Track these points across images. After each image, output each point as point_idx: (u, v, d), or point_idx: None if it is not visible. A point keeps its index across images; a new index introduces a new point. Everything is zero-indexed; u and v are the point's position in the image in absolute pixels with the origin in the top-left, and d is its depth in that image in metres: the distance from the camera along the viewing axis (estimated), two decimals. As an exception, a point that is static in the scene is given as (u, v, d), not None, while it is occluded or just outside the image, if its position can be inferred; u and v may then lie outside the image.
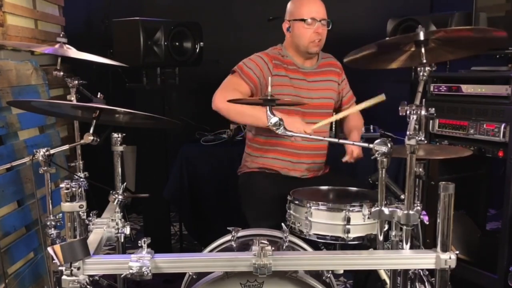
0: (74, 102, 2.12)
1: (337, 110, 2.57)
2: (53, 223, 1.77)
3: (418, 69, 1.50)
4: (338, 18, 2.34)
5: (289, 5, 2.41)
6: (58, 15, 3.53)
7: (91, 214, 1.69)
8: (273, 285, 1.55)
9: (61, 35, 2.07)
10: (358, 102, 2.92)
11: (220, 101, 2.25)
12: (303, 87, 2.39)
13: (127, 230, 1.72)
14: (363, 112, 2.48)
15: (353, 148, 2.35)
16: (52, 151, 1.65)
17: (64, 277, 1.28)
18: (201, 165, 3.04)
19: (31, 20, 3.04)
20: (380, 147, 1.35)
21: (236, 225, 1.74)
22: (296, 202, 1.88)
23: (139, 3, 3.88)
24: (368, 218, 1.76)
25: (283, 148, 2.38)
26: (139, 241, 1.32)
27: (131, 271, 1.29)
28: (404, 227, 1.37)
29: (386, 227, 1.60)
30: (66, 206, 1.40)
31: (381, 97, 1.98)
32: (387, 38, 1.64)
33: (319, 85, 2.44)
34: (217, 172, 3.03)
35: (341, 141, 1.82)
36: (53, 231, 1.77)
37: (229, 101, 1.82)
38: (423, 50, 1.51)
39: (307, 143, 2.36)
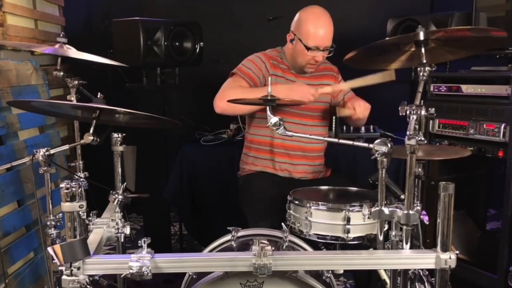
0: (74, 102, 2.12)
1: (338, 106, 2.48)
2: (53, 223, 1.77)
3: (418, 69, 1.50)
4: (338, 18, 2.34)
5: (298, 15, 2.33)
6: (58, 15, 3.52)
7: (91, 214, 1.69)
8: (273, 285, 1.55)
9: (61, 35, 2.07)
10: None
11: (220, 100, 2.23)
12: None
13: (127, 230, 1.72)
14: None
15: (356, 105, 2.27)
16: (52, 151, 1.65)
17: (64, 277, 1.28)
18: (201, 165, 3.04)
19: (31, 20, 3.04)
20: (380, 147, 1.35)
21: (236, 225, 1.74)
22: (296, 202, 1.88)
23: (139, 3, 3.88)
24: (368, 218, 1.75)
25: (280, 149, 2.38)
26: (139, 241, 1.32)
27: (131, 271, 1.29)
28: (404, 227, 1.37)
29: (386, 227, 1.60)
30: (66, 206, 1.40)
31: (391, 74, 1.97)
32: (387, 38, 1.64)
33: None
34: (217, 172, 3.03)
35: (341, 141, 1.82)
36: (53, 231, 1.77)
37: (229, 101, 1.82)
38: (423, 50, 1.51)
39: (304, 144, 2.36)
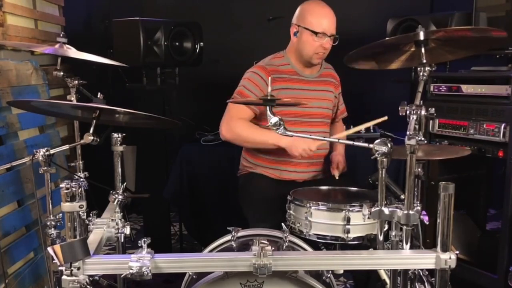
0: (74, 102, 2.12)
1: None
2: (53, 223, 1.77)
3: (418, 69, 1.50)
4: (338, 18, 2.33)
5: (300, 8, 2.37)
6: (58, 15, 3.52)
7: (91, 214, 1.69)
8: (273, 285, 1.55)
9: (61, 35, 2.07)
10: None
11: (227, 131, 2.34)
12: (301, 96, 2.37)
13: (127, 230, 1.72)
14: (363, 110, 2.49)
15: (339, 161, 2.41)
16: (52, 151, 1.65)
17: (64, 277, 1.28)
18: (201, 165, 3.04)
19: (31, 20, 3.04)
20: (380, 147, 1.35)
21: (236, 225, 1.74)
22: (296, 202, 1.88)
23: (139, 3, 3.88)
24: (368, 218, 1.75)
25: (280, 158, 2.36)
26: (139, 241, 1.32)
27: (131, 271, 1.29)
28: (404, 227, 1.37)
29: (386, 227, 1.60)
30: (66, 206, 1.40)
31: (384, 118, 2.12)
32: (387, 38, 1.64)
33: (318, 94, 2.43)
34: (217, 172, 3.03)
35: (341, 141, 1.82)
36: (53, 231, 1.77)
37: (229, 101, 1.82)
38: (423, 50, 1.51)
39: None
